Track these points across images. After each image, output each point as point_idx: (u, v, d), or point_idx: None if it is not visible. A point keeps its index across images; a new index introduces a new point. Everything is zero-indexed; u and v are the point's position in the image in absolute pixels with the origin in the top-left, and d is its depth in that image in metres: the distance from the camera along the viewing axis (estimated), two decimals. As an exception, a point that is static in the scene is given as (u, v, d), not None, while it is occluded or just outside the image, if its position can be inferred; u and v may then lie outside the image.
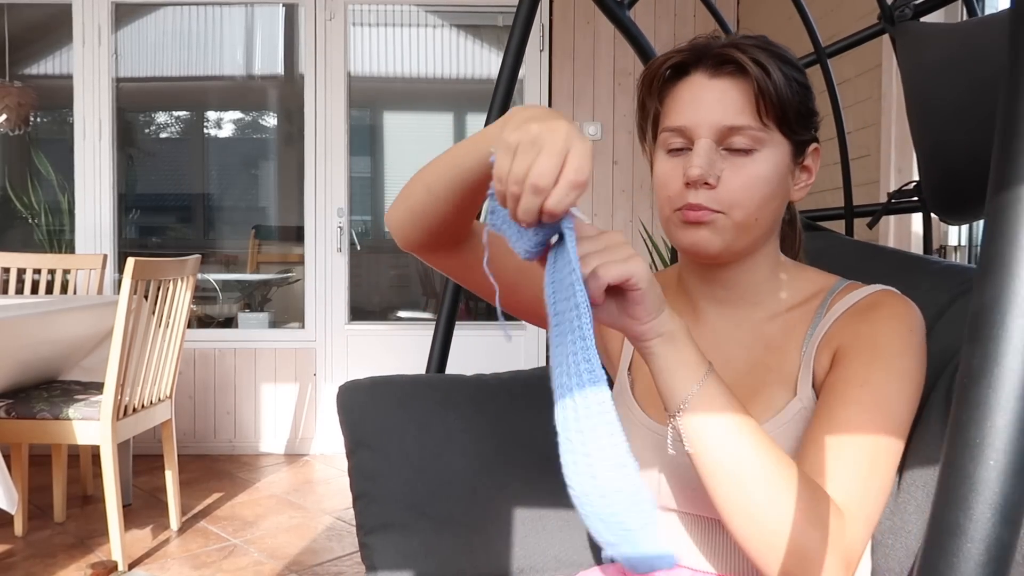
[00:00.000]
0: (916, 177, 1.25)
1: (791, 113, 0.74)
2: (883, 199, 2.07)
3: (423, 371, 1.24)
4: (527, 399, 1.06)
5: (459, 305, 1.22)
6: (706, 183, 0.73)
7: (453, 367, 1.22)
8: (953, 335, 0.81)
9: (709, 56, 0.75)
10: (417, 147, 4.49)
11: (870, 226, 1.39)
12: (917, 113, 1.10)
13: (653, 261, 3.34)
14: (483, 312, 3.97)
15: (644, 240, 3.47)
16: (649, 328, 0.64)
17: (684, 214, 0.75)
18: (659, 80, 0.79)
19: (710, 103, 0.74)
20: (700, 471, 0.65)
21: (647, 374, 0.86)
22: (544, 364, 3.58)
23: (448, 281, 1.19)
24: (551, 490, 0.96)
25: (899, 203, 1.36)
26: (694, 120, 0.74)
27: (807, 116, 0.77)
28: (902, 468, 0.76)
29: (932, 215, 1.28)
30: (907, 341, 0.72)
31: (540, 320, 0.84)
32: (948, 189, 1.05)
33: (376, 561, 0.94)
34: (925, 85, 1.07)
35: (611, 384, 0.91)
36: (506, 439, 1.03)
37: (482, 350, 3.20)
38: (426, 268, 4.68)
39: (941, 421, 0.75)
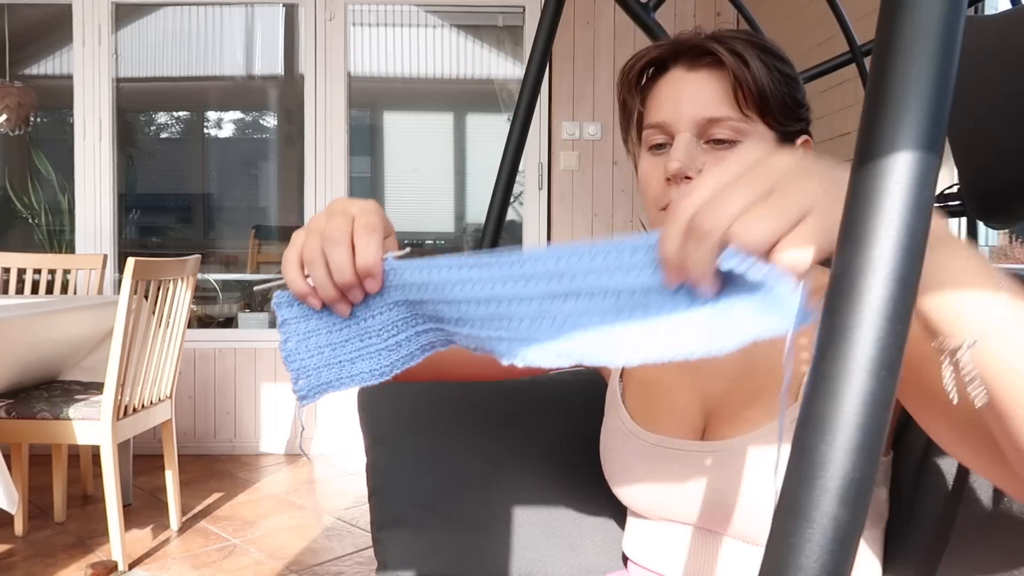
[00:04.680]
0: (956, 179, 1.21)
1: (774, 103, 0.72)
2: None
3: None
4: (542, 402, 1.05)
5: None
6: (687, 177, 0.71)
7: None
8: None
9: (687, 49, 0.74)
10: (417, 147, 4.50)
11: None
12: (952, 108, 1.08)
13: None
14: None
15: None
16: None
17: (669, 212, 0.73)
18: (638, 77, 0.78)
19: (689, 96, 0.72)
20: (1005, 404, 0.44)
21: (638, 382, 0.85)
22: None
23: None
24: (563, 493, 0.95)
25: (942, 206, 1.30)
26: (673, 115, 0.72)
27: (793, 107, 0.74)
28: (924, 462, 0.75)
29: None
30: None
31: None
32: (983, 189, 1.03)
33: (386, 557, 0.94)
34: (960, 79, 1.04)
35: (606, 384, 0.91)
36: (520, 441, 1.02)
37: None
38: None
39: None
